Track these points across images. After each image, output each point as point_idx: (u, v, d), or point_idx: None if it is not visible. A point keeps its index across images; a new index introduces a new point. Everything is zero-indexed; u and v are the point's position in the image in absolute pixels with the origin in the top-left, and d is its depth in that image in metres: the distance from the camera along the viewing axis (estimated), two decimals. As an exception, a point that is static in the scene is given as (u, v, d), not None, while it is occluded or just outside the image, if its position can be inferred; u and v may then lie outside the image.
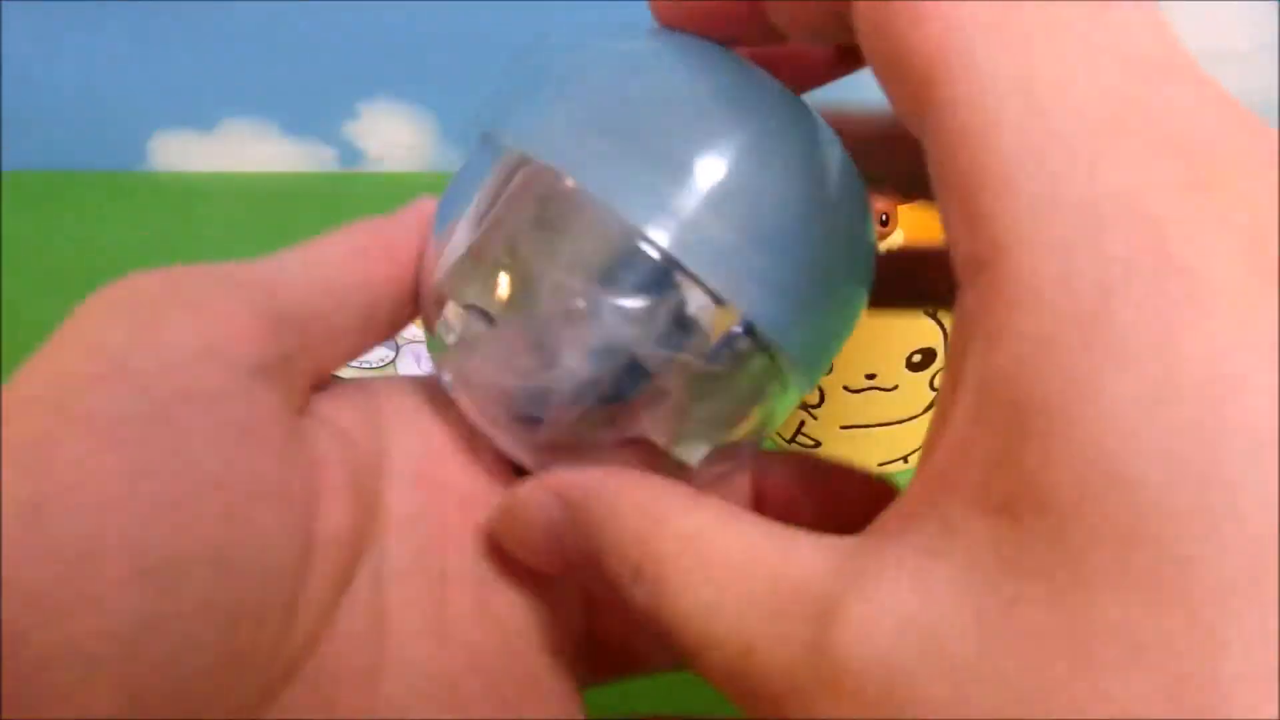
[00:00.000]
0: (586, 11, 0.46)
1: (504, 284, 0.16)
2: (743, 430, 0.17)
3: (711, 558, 0.13)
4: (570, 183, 0.15)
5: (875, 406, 0.34)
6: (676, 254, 0.14)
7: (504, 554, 0.17)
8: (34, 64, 0.48)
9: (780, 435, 0.37)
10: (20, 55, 0.48)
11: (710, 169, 0.15)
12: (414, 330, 0.39)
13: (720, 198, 0.15)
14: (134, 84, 0.49)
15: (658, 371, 0.15)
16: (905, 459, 0.36)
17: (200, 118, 0.51)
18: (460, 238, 0.16)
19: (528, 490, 0.16)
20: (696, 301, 0.15)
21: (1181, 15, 0.44)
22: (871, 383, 0.34)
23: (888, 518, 0.12)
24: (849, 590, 0.11)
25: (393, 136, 0.51)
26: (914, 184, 0.17)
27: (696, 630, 0.12)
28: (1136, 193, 0.10)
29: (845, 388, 0.34)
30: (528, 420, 0.16)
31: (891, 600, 0.11)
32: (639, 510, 0.14)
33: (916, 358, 0.33)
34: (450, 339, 0.17)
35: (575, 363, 0.15)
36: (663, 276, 0.15)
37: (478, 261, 0.16)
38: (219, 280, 0.15)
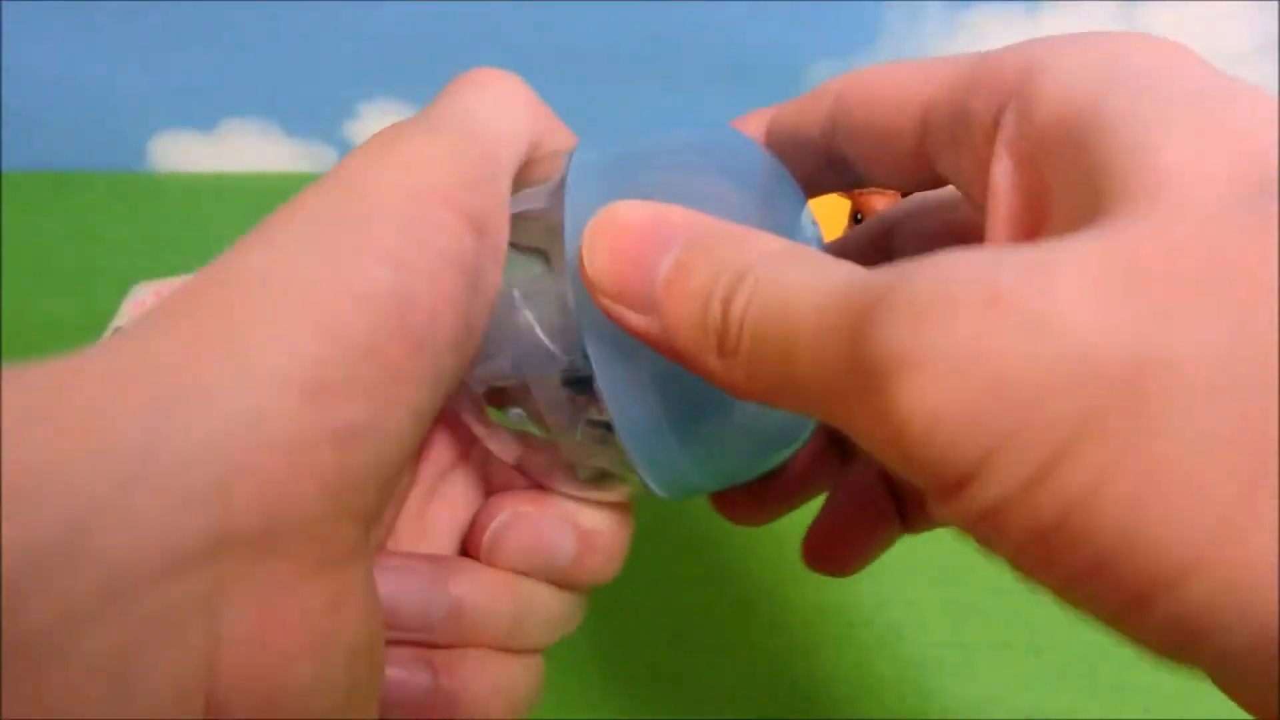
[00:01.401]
0: (587, 12, 0.46)
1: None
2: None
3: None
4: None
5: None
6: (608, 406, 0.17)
7: None
8: (34, 64, 0.48)
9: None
10: (20, 55, 0.48)
11: None
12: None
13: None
14: (134, 84, 0.49)
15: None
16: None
17: (200, 118, 0.51)
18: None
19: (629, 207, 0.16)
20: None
21: (1182, 15, 0.44)
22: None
23: None
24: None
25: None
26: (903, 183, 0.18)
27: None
28: None
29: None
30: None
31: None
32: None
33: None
34: None
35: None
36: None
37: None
38: None
